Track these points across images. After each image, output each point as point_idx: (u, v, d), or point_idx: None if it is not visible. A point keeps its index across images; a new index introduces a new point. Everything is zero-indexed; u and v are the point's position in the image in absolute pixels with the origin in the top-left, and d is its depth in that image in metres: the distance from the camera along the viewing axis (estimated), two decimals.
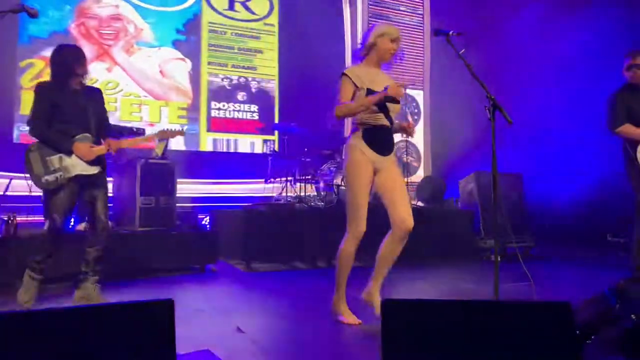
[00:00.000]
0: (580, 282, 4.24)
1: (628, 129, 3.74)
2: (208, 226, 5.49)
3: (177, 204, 5.06)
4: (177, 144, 6.65)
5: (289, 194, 6.02)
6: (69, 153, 3.11)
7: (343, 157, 3.18)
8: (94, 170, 3.17)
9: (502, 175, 5.53)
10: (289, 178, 6.09)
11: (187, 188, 6.46)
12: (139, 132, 4.66)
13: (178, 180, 5.01)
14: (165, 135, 3.54)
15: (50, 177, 3.08)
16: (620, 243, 6.59)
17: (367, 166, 2.85)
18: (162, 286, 4.04)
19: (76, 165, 3.12)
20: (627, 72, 3.89)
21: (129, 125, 5.23)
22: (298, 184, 6.05)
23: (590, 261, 4.45)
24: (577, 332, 1.89)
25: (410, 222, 2.85)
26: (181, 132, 3.66)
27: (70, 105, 3.15)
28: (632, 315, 1.81)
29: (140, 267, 4.35)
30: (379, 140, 2.88)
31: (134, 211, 4.54)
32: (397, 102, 2.87)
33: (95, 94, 3.37)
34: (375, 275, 2.96)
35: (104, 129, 3.35)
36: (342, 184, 5.86)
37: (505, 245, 5.30)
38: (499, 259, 5.04)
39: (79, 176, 3.13)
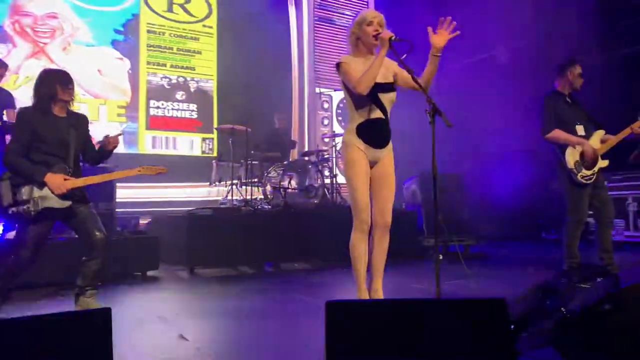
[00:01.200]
0: (517, 278, 4.43)
1: (558, 134, 3.90)
2: (150, 232, 5.31)
3: (117, 209, 4.89)
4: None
5: (234, 198, 5.94)
6: (41, 185, 2.92)
7: (340, 153, 3.11)
8: (65, 204, 2.97)
9: (443, 176, 5.70)
10: (235, 181, 6.02)
11: (128, 193, 6.25)
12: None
13: (118, 184, 4.84)
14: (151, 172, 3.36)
15: (19, 209, 2.89)
16: (554, 240, 6.97)
17: (364, 163, 2.83)
18: (101, 295, 3.87)
19: (47, 198, 2.93)
20: (562, 79, 4.04)
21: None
22: (244, 187, 5.99)
23: (527, 257, 4.68)
24: (512, 326, 1.97)
25: (387, 217, 2.88)
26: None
27: (51, 134, 2.98)
28: (562, 309, 1.90)
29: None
30: (374, 133, 2.84)
31: None
32: (391, 89, 2.84)
33: (80, 121, 3.20)
34: (373, 273, 2.94)
35: (87, 157, 3.22)
36: (289, 185, 5.86)
37: (447, 244, 5.46)
38: (441, 258, 5.21)
39: (51, 209, 2.94)
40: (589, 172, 3.85)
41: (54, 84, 3.02)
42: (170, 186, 7.02)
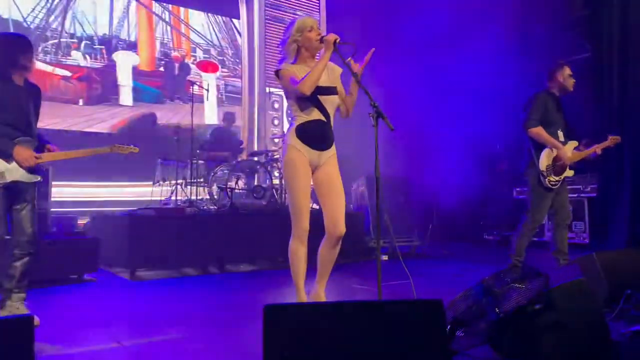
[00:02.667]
0: (459, 278, 4.55)
1: (541, 132, 3.86)
2: (88, 232, 5.09)
3: (53, 209, 4.65)
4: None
5: (179, 198, 5.78)
6: (9, 157, 2.72)
7: (280, 156, 3.06)
8: (35, 178, 2.81)
9: (389, 178, 5.83)
10: (180, 181, 5.87)
11: (65, 191, 5.97)
12: None
13: (54, 182, 4.61)
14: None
15: None
16: (495, 241, 7.22)
17: (303, 164, 2.77)
18: (33, 299, 3.66)
19: (14, 171, 2.74)
20: (554, 81, 4.00)
21: None
22: (189, 187, 5.85)
23: (470, 257, 4.82)
24: (448, 327, 2.01)
25: (341, 228, 2.81)
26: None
27: (12, 104, 2.76)
28: (496, 309, 1.95)
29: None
30: (314, 135, 2.79)
31: None
32: (334, 92, 2.82)
33: (36, 91, 2.97)
34: (318, 277, 2.91)
35: None
36: (236, 186, 5.77)
37: (393, 245, 5.53)
38: (386, 258, 5.27)
39: (18, 183, 2.75)
40: (556, 178, 3.89)
41: (13, 49, 2.82)
42: (111, 185, 6.76)
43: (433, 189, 7.40)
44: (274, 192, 6.17)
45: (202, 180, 6.07)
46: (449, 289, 3.51)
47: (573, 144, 4.02)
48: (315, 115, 2.79)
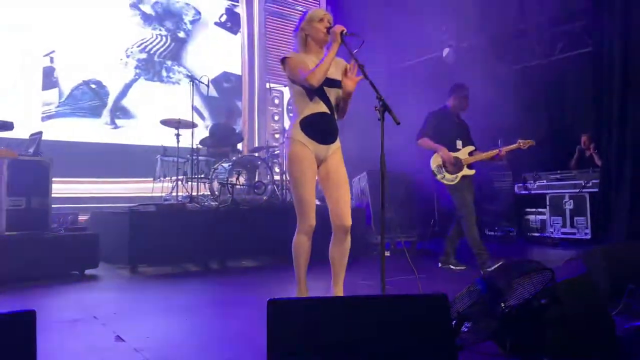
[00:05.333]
0: (461, 273, 4.54)
1: (423, 142, 4.65)
2: (89, 228, 5.08)
3: (54, 205, 4.64)
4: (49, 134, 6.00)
5: (179, 194, 5.77)
6: None
7: (285, 151, 3.04)
8: None
9: (391, 173, 5.78)
10: (180, 177, 5.85)
11: (66, 188, 5.95)
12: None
13: (54, 179, 4.59)
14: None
15: None
16: (497, 236, 7.21)
17: (308, 158, 2.73)
18: (34, 295, 3.67)
19: None
20: (452, 100, 4.71)
21: None
22: (190, 183, 5.83)
23: (471, 254, 4.82)
24: (454, 321, 2.00)
25: (348, 220, 2.78)
26: None
27: None
28: (501, 304, 1.94)
29: (9, 275, 3.92)
30: (319, 128, 2.75)
31: None
32: (339, 85, 2.78)
33: None
34: (334, 278, 2.87)
35: None
36: (237, 182, 5.75)
37: (394, 241, 5.52)
38: (387, 254, 5.27)
39: None
40: (451, 176, 4.56)
41: None
42: (112, 181, 6.75)
43: (434, 184, 7.37)
44: (275, 187, 6.16)
45: (202, 176, 6.05)
46: (451, 285, 3.50)
47: (468, 148, 4.67)
48: (320, 107, 2.76)
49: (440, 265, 4.78)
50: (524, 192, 7.17)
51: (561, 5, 6.98)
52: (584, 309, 2.04)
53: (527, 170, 7.17)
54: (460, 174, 4.57)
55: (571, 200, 6.49)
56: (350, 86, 2.75)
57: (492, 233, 7.34)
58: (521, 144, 4.63)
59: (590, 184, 6.35)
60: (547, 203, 6.77)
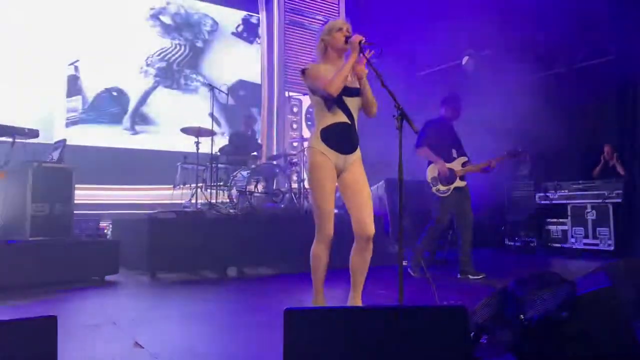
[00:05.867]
0: (479, 285, 4.48)
1: (423, 152, 4.71)
2: (110, 234, 5.16)
3: (76, 211, 4.72)
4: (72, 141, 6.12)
5: (199, 201, 5.82)
6: None
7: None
8: None
9: (409, 182, 5.76)
10: (200, 184, 5.90)
11: (88, 194, 6.05)
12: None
13: (77, 185, 4.68)
14: None
15: None
16: (517, 247, 7.11)
17: (329, 168, 2.74)
18: (56, 300, 3.73)
19: None
20: (446, 110, 4.82)
21: None
22: (209, 191, 5.88)
23: (489, 264, 4.76)
24: (472, 333, 1.97)
25: (370, 228, 2.78)
26: None
27: None
28: (521, 316, 1.91)
29: (31, 280, 4.00)
30: (339, 138, 2.76)
31: (23, 220, 4.17)
32: (358, 94, 2.79)
33: None
34: (352, 287, 2.87)
35: None
36: (256, 189, 5.79)
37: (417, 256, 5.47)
38: (406, 263, 5.24)
39: None
40: (444, 188, 4.68)
41: None
42: (133, 188, 6.85)
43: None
44: (293, 195, 6.18)
45: (221, 183, 6.10)
46: (470, 296, 3.46)
47: (461, 160, 4.76)
48: (340, 117, 2.77)
49: (459, 276, 4.73)
50: (545, 201, 7.06)
51: (583, 13, 6.88)
52: (607, 324, 1.99)
53: (548, 179, 7.07)
54: (452, 186, 4.69)
55: (594, 211, 6.37)
56: (360, 69, 2.76)
57: (512, 243, 7.24)
58: (506, 155, 4.81)
59: (614, 194, 6.22)
60: (569, 213, 6.66)
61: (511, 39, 7.40)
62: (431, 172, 4.74)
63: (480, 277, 4.63)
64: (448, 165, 4.69)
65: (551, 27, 7.37)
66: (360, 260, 2.83)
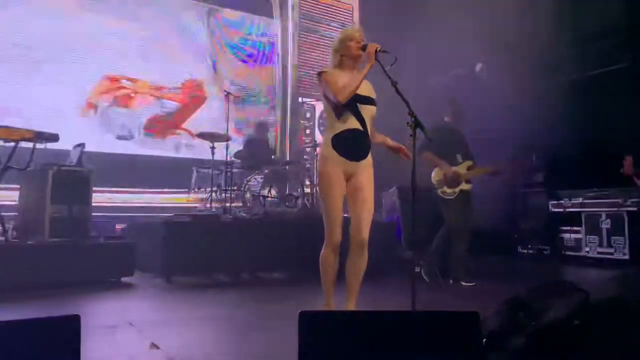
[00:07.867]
0: (491, 292, 4.46)
1: (426, 157, 4.68)
2: (126, 237, 5.24)
3: (93, 214, 4.81)
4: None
5: (214, 205, 5.88)
6: None
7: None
8: None
9: (421, 189, 5.76)
10: (214, 189, 5.97)
11: (105, 197, 6.15)
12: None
13: (95, 188, 4.77)
14: None
15: None
16: (530, 254, 7.06)
17: (337, 175, 2.79)
18: (73, 300, 3.81)
19: None
20: (449, 114, 4.88)
21: None
22: (224, 195, 5.94)
23: (502, 272, 4.75)
24: (484, 340, 1.99)
25: (363, 236, 2.82)
26: None
27: None
28: (533, 324, 1.92)
29: (50, 280, 4.08)
30: (350, 144, 2.80)
31: (42, 221, 4.26)
32: (373, 103, 2.85)
33: None
34: (347, 293, 2.91)
35: None
36: (269, 194, 5.84)
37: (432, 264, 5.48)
38: (418, 270, 5.25)
39: None
40: (449, 190, 4.70)
41: None
42: (149, 192, 6.93)
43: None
44: (305, 200, 6.22)
45: (236, 188, 6.16)
46: (482, 303, 3.46)
47: (467, 163, 4.79)
48: (352, 123, 2.80)
49: (452, 282, 4.71)
50: (558, 209, 7.01)
51: (596, 20, 6.85)
52: (620, 334, 2.00)
53: (562, 187, 7.02)
54: (458, 189, 4.71)
55: (608, 219, 6.31)
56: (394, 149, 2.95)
57: (525, 251, 7.19)
58: (514, 164, 5.01)
59: (629, 202, 6.16)
60: (583, 221, 6.60)
61: (523, 46, 7.38)
62: (436, 175, 4.78)
63: (473, 284, 4.62)
64: (453, 168, 4.72)
65: (563, 34, 7.34)
66: (354, 265, 2.87)
